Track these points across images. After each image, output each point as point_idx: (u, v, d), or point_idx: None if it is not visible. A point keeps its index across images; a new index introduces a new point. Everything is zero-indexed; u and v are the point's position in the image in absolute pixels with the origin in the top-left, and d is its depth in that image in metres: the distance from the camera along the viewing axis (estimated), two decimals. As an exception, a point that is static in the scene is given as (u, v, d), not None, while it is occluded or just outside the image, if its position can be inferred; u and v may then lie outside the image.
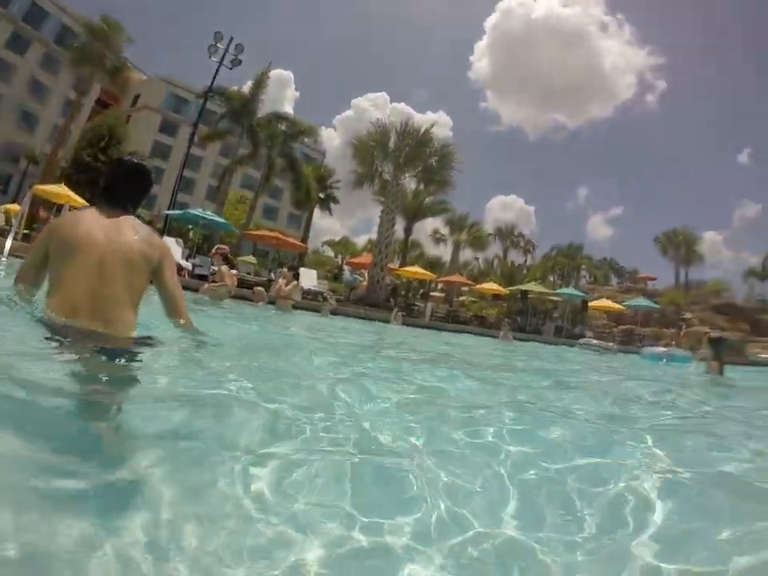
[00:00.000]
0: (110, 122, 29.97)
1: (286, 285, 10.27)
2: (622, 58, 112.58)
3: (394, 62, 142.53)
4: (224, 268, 8.75)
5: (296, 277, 10.98)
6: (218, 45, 23.90)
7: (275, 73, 61.33)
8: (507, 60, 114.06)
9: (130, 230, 2.41)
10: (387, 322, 15.83)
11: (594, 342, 17.26)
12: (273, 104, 37.26)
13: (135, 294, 2.39)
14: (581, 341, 17.42)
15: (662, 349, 15.68)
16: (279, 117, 31.77)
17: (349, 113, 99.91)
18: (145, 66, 55.39)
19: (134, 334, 2.35)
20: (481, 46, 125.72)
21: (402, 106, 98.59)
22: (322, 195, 40.82)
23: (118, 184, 2.59)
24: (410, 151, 25.13)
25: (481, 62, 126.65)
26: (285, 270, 11.84)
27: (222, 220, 23.45)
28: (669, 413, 3.54)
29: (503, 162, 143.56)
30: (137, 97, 57.18)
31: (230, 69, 24.72)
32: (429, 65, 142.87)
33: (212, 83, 25.86)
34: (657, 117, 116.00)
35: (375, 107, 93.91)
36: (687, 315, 34.70)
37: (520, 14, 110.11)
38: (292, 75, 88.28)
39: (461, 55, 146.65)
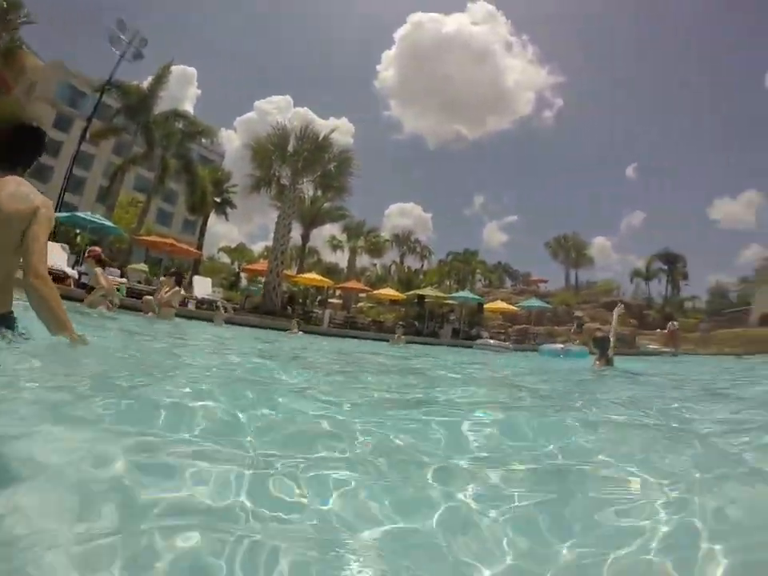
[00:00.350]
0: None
1: (167, 292, 9.49)
2: (524, 75, 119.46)
3: (300, 66, 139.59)
4: (98, 270, 8.16)
5: (179, 283, 10.23)
6: (121, 36, 22.46)
7: (178, 69, 58.00)
8: (413, 71, 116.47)
9: (11, 188, 2.33)
10: (284, 330, 15.37)
11: (491, 342, 17.64)
12: (173, 102, 34.96)
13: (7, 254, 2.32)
14: (478, 341, 17.73)
15: (559, 345, 16.21)
16: (177, 115, 30.39)
17: (251, 115, 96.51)
18: (42, 51, 49.50)
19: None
20: (389, 55, 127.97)
21: (304, 110, 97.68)
22: (218, 199, 39.10)
23: (9, 145, 2.51)
24: (308, 156, 24.70)
25: (387, 71, 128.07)
26: (164, 277, 11.04)
27: (111, 224, 21.98)
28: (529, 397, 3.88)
29: (403, 170, 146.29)
30: (31, 85, 51.49)
31: (131, 62, 23.46)
32: (335, 71, 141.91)
33: (111, 76, 24.13)
34: (552, 131, 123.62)
35: (278, 110, 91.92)
36: (578, 313, 36.78)
37: (430, 28, 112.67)
38: (196, 72, 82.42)
39: (368, 64, 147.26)
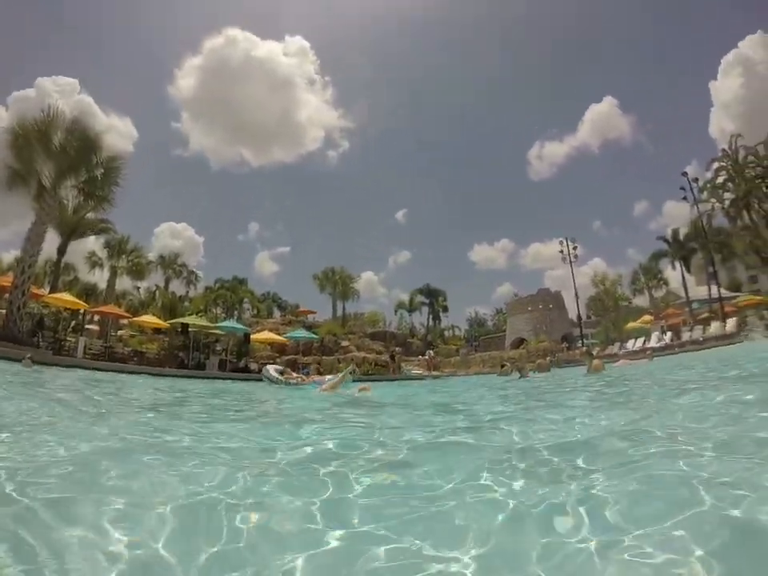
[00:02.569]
0: None
1: None
2: (318, 113, 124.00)
3: (95, 48, 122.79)
4: None
5: None
6: None
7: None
8: (213, 86, 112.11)
9: None
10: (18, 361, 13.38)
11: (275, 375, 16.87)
12: None
13: None
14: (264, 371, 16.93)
15: (319, 377, 16.63)
16: None
17: (30, 92, 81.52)
18: None
19: None
20: (192, 63, 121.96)
21: (89, 100, 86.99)
22: None
23: None
24: (75, 155, 21.77)
25: (185, 79, 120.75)
26: None
27: None
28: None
29: (181, 188, 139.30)
30: None
31: None
32: (130, 65, 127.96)
33: None
34: (334, 171, 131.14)
35: (61, 94, 79.97)
36: (345, 343, 38.99)
37: (242, 47, 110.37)
38: None
39: (166, 66, 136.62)
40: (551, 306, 54.07)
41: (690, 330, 32.33)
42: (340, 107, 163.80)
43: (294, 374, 15.19)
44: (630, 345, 34.11)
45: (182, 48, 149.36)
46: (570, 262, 48.76)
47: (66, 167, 21.69)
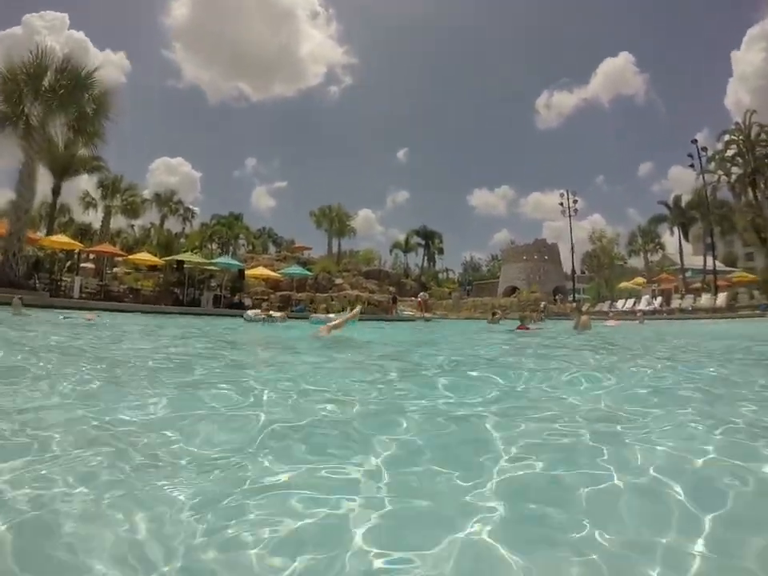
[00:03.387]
0: None
1: None
2: (320, 48, 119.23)
3: None
4: None
5: None
6: None
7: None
8: (209, 15, 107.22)
9: None
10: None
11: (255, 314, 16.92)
12: None
13: None
14: (246, 313, 17.26)
15: (323, 315, 17.16)
16: None
17: (16, 30, 78.00)
18: None
19: None
20: None
21: (80, 35, 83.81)
22: None
23: None
24: (65, 94, 21.10)
25: (180, 9, 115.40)
26: None
27: None
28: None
29: (175, 122, 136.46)
30: None
31: None
32: None
33: None
34: (336, 108, 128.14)
35: (50, 31, 76.91)
36: (338, 281, 39.76)
37: None
38: None
39: None
40: (546, 257, 54.39)
41: (681, 298, 32.81)
42: (345, 43, 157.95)
43: (274, 313, 15.89)
44: (620, 304, 34.89)
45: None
46: (569, 215, 49.00)
47: (55, 106, 21.23)
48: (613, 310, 33.34)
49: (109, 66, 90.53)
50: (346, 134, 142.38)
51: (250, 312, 16.07)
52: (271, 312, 15.53)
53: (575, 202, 49.19)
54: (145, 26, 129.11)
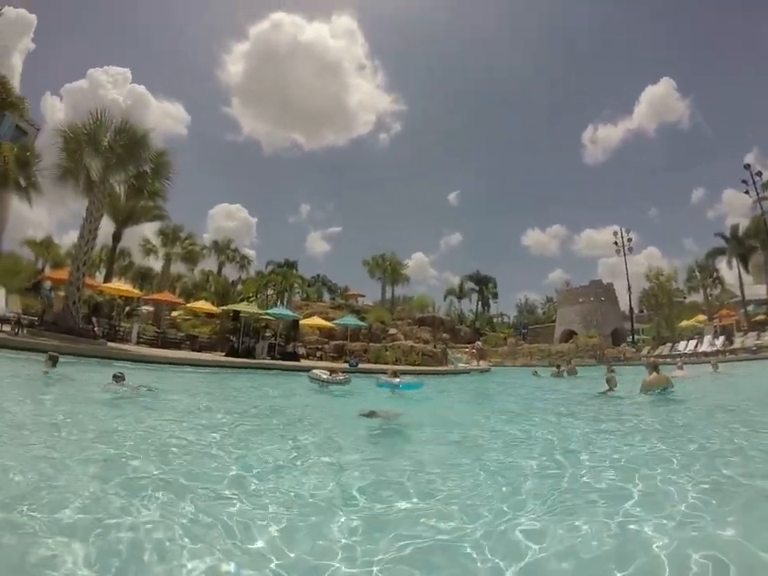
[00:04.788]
0: None
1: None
2: (369, 97, 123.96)
3: (146, 38, 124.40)
4: None
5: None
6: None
7: (14, 12, 47.70)
8: (262, 71, 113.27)
9: None
10: (89, 356, 12.93)
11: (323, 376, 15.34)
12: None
13: None
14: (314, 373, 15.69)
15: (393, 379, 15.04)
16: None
17: (82, 83, 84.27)
18: None
19: None
20: (240, 49, 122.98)
21: (141, 89, 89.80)
22: (23, 183, 33.64)
23: None
24: (123, 153, 22.07)
25: (235, 65, 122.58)
26: None
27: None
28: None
29: (234, 172, 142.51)
30: None
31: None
32: (180, 51, 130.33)
33: None
34: (386, 154, 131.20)
35: (113, 84, 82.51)
36: (392, 331, 39.03)
37: (288, 32, 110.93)
38: (36, 20, 62.71)
39: (216, 52, 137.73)
40: (603, 298, 52.68)
41: (744, 335, 30.89)
42: (392, 91, 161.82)
43: (341, 374, 14.51)
44: (682, 347, 32.93)
45: (228, 33, 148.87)
46: (624, 253, 47.45)
47: (113, 164, 22.01)
48: (675, 352, 31.66)
49: (170, 117, 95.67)
50: (397, 179, 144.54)
51: (318, 372, 14.45)
52: (342, 375, 14.14)
53: (629, 240, 47.53)
54: (204, 82, 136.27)
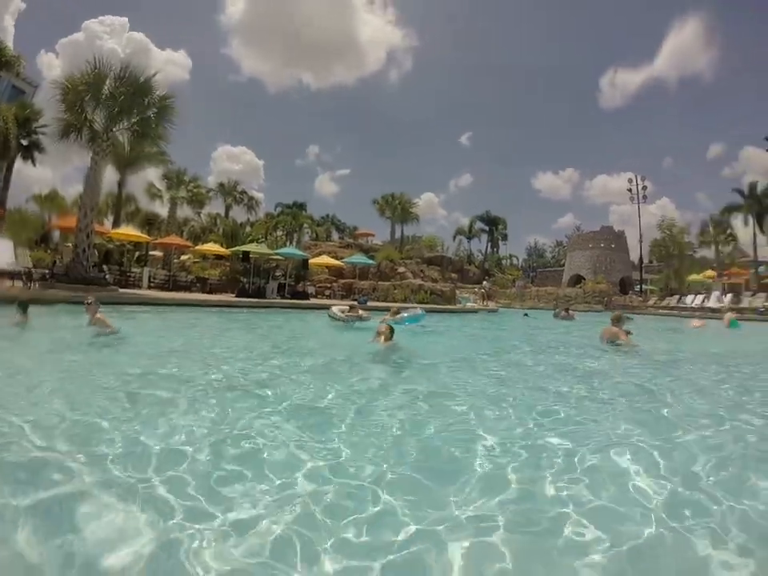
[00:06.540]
0: None
1: None
2: (379, 33, 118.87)
3: None
4: None
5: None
6: None
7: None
8: (264, 9, 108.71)
9: None
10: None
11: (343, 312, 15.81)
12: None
13: None
14: (332, 311, 16.06)
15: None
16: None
17: (78, 36, 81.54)
18: None
19: None
20: None
21: (140, 36, 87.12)
22: (25, 142, 33.63)
23: None
24: (126, 100, 21.53)
25: (235, 5, 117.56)
26: None
27: None
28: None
29: (238, 113, 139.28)
30: None
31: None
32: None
33: None
34: (397, 92, 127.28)
35: (111, 34, 79.72)
36: (401, 269, 39.15)
37: None
38: None
39: None
40: (613, 245, 52.15)
41: (752, 295, 30.66)
42: (403, 27, 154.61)
43: (364, 314, 14.98)
44: (689, 300, 32.79)
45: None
46: (638, 202, 46.42)
47: (116, 112, 21.59)
48: (681, 305, 31.72)
49: (172, 64, 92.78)
50: (408, 118, 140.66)
51: (335, 309, 15.12)
52: (361, 313, 14.70)
53: (644, 187, 46.51)
54: (204, 25, 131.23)
